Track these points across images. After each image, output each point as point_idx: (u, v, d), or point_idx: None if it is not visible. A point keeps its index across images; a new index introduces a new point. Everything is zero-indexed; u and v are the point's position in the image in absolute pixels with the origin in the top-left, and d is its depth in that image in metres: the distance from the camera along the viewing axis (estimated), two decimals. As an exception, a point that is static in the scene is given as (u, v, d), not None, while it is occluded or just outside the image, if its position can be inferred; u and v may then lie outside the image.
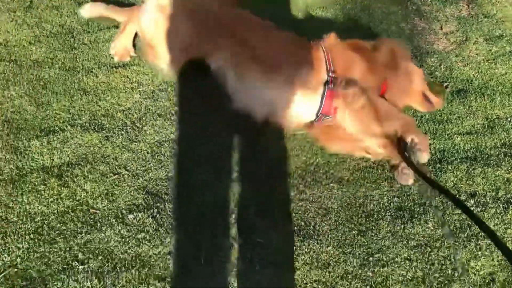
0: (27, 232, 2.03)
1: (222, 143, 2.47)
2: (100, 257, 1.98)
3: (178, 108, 2.64)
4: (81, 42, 2.94)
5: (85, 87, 2.67)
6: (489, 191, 2.40)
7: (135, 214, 2.15)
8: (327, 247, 2.11)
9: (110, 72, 2.76)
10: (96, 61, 2.83)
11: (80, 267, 1.95)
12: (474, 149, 2.59)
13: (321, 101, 2.29)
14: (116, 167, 2.33)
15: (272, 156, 2.45)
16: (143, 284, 1.92)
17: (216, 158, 2.40)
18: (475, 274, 2.07)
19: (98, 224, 2.10)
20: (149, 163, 2.36)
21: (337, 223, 2.21)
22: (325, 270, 2.03)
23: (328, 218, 2.22)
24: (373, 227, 2.21)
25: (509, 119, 2.80)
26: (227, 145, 2.48)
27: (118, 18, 2.92)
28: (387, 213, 2.27)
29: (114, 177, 2.29)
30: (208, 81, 2.46)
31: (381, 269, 2.06)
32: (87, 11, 2.95)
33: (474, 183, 2.43)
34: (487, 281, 2.06)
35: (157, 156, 2.39)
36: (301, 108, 2.32)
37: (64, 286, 1.88)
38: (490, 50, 3.26)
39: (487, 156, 2.57)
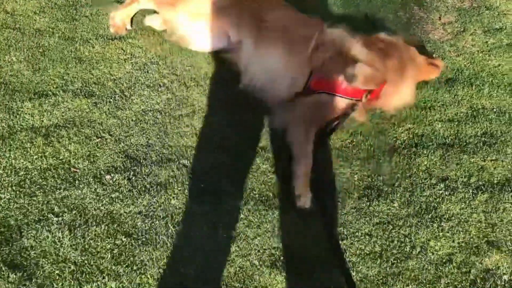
0: (10, 184, 2.17)
1: (205, 116, 2.57)
2: (74, 212, 2.11)
3: (166, 80, 2.74)
4: (82, 14, 3.08)
5: (81, 56, 2.81)
6: (461, 177, 2.42)
7: (112, 175, 2.27)
8: (290, 217, 2.19)
9: (106, 44, 2.89)
10: (94, 32, 2.97)
11: (55, 219, 2.08)
12: (453, 136, 2.61)
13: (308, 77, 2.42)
14: (101, 131, 2.46)
15: (251, 129, 2.54)
16: (111, 238, 2.04)
17: (197, 129, 2.50)
18: (433, 253, 2.12)
19: (77, 182, 2.23)
20: (132, 130, 2.48)
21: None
22: (285, 238, 2.11)
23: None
24: (339, 203, 2.27)
25: (494, 109, 2.81)
26: (209, 118, 2.57)
27: None
28: (354, 191, 2.32)
29: (97, 140, 2.42)
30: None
31: (341, 241, 2.12)
32: None
33: (448, 168, 2.46)
34: (444, 260, 2.10)
35: (141, 123, 2.51)
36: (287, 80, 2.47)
37: (38, 234, 2.02)
38: (487, 42, 3.25)
39: (465, 143, 2.59)
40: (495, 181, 2.41)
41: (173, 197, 2.21)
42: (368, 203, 2.27)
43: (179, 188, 2.25)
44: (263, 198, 2.25)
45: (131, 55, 2.84)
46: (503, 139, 2.61)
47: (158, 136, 2.46)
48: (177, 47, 2.92)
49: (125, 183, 2.25)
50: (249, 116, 2.58)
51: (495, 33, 3.33)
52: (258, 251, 2.06)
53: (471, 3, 3.60)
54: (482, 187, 2.38)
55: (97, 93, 2.62)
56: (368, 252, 2.10)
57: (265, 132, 2.53)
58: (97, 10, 3.11)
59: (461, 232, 2.19)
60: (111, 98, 2.60)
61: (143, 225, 2.10)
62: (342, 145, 2.53)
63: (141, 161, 2.35)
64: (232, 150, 2.43)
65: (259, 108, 2.57)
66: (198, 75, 2.78)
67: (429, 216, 2.24)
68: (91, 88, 2.64)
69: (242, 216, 2.17)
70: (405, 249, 2.12)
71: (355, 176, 2.39)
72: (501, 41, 3.26)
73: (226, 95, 2.67)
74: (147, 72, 2.76)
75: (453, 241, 2.16)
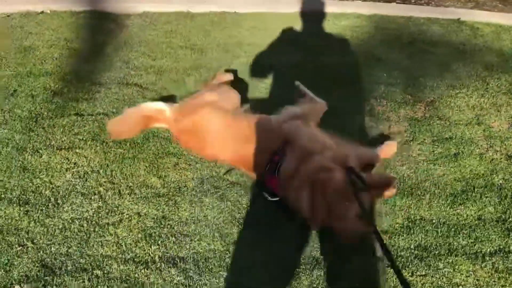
0: None
1: (131, 225, 2.59)
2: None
3: (102, 188, 2.81)
4: (40, 126, 3.28)
5: (27, 166, 2.94)
6: (385, 293, 2.30)
7: (22, 285, 2.26)
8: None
9: (53, 153, 3.04)
10: (46, 143, 3.14)
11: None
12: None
13: None
14: (25, 239, 2.49)
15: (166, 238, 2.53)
16: None
17: (120, 238, 2.51)
18: None
19: (-15, 292, 2.22)
20: (56, 238, 2.51)
21: None
22: None
23: None
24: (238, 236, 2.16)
25: (433, 220, 2.73)
26: (135, 226, 2.58)
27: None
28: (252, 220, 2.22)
29: (19, 248, 2.44)
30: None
31: None
32: None
33: (374, 283, 2.34)
34: None
35: (65, 232, 2.54)
36: None
37: None
38: (434, 151, 3.26)
39: (396, 256, 2.49)
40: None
41: (76, 310, 2.16)
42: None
43: (85, 300, 2.19)
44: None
45: (74, 164, 2.96)
46: (436, 252, 2.51)
47: (79, 245, 2.47)
48: (121, 156, 3.02)
49: (33, 293, 2.22)
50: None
51: (444, 142, 3.35)
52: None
53: (423, 113, 3.67)
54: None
55: (32, 201, 2.70)
56: None
57: (180, 240, 2.51)
58: (55, 122, 3.30)
59: None
60: (44, 206, 2.67)
61: None
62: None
63: (56, 270, 2.34)
64: (148, 261, 2.40)
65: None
66: (135, 183, 2.85)
67: None
68: (28, 196, 2.73)
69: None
70: None
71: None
72: (448, 150, 3.26)
73: (157, 201, 2.71)
74: (86, 180, 2.85)
75: None
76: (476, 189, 2.92)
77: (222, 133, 2.84)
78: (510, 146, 3.31)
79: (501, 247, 2.56)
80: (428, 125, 3.53)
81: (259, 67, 4.12)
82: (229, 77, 3.69)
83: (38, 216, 2.61)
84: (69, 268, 2.36)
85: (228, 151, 2.80)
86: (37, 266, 2.36)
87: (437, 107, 3.74)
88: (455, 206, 2.81)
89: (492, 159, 3.19)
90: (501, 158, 3.20)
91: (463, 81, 4.10)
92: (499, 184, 2.97)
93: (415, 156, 3.21)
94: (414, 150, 3.26)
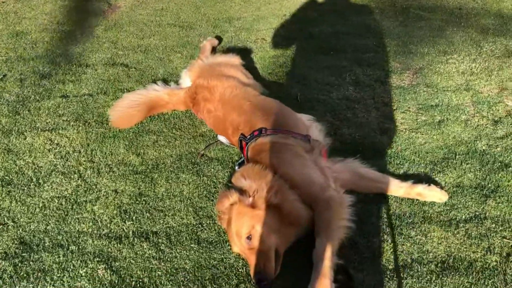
0: None
1: (108, 202, 2.65)
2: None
3: (82, 167, 2.88)
4: (26, 109, 3.36)
5: (12, 147, 3.02)
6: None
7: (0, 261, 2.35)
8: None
9: (37, 135, 3.11)
10: (31, 125, 3.21)
11: None
12: (355, 218, 2.50)
13: None
14: (6, 218, 2.58)
15: (142, 213, 2.58)
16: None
17: (97, 215, 2.57)
18: None
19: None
20: (35, 216, 2.58)
21: (182, 283, 2.24)
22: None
23: (174, 278, 2.26)
24: (214, 290, 2.21)
25: (410, 189, 2.69)
26: (111, 203, 2.65)
27: None
28: (234, 277, 2.26)
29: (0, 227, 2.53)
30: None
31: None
32: None
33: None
34: None
35: (45, 210, 2.62)
36: None
37: None
38: (417, 119, 3.20)
39: (363, 224, 2.48)
40: (390, 267, 2.26)
41: (51, 284, 2.24)
42: (244, 291, 2.18)
43: (58, 275, 2.27)
44: (138, 285, 2.23)
45: (57, 144, 3.03)
46: (410, 220, 2.49)
47: (57, 222, 2.54)
48: (102, 135, 3.08)
49: (10, 269, 2.31)
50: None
51: (429, 109, 3.29)
52: None
53: (411, 81, 3.61)
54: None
55: (15, 181, 2.78)
56: None
57: (157, 215, 2.55)
58: (41, 105, 3.37)
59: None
60: (26, 186, 2.75)
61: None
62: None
63: (34, 247, 2.42)
64: (122, 236, 2.46)
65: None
66: (114, 162, 2.90)
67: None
68: (11, 177, 2.81)
69: (109, 304, 2.15)
70: None
71: (240, 262, 2.33)
72: (433, 117, 3.20)
73: (134, 179, 2.76)
74: (67, 160, 2.92)
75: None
76: (457, 156, 2.88)
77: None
78: (497, 111, 3.23)
79: (477, 213, 2.52)
80: (414, 93, 3.46)
81: (248, 40, 4.10)
82: (214, 42, 3.74)
83: (20, 196, 2.69)
84: (46, 244, 2.43)
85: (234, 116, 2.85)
86: (15, 244, 2.44)
87: (426, 74, 3.66)
88: (434, 174, 2.77)
89: (478, 125, 3.12)
90: (487, 124, 3.12)
91: (455, 46, 3.99)
92: (482, 150, 2.91)
93: (398, 125, 3.16)
94: (397, 120, 3.21)
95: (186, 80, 3.42)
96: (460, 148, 2.94)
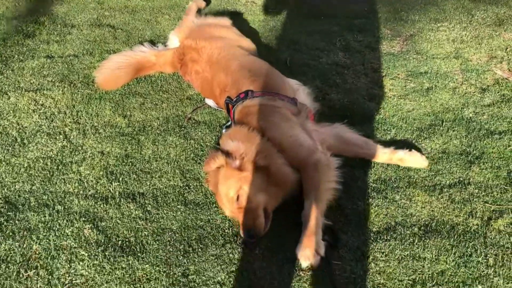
0: None
1: (93, 163, 2.63)
2: None
3: (68, 128, 2.84)
4: (10, 68, 3.29)
5: (-5, 108, 2.97)
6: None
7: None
8: (145, 264, 2.16)
9: (21, 95, 3.05)
10: (15, 85, 3.15)
11: None
12: (343, 181, 2.51)
13: None
14: (-10, 178, 2.55)
15: (128, 175, 2.57)
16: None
17: (82, 176, 2.56)
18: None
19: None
20: (21, 176, 2.56)
21: (168, 243, 2.25)
22: (132, 286, 2.07)
23: (160, 238, 2.27)
24: (200, 249, 2.23)
25: (396, 154, 2.70)
26: (97, 164, 2.63)
27: None
28: (220, 238, 2.28)
29: (-17, 187, 2.51)
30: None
31: (188, 290, 2.07)
32: None
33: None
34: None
35: (30, 170, 2.59)
36: None
37: None
38: (405, 86, 3.20)
39: (349, 188, 2.50)
40: (374, 230, 2.30)
41: (36, 243, 2.23)
42: (230, 251, 2.21)
43: (44, 234, 2.27)
44: (124, 244, 2.24)
45: (41, 105, 2.98)
46: (395, 185, 2.51)
47: (43, 183, 2.52)
48: (87, 96, 3.03)
49: (-6, 228, 2.30)
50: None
51: (418, 76, 3.28)
52: (102, 298, 2.03)
53: (401, 48, 3.58)
54: (358, 235, 2.27)
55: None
56: (215, 302, 2.03)
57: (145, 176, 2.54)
58: (25, 65, 3.30)
59: None
60: (10, 146, 2.71)
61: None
62: (222, 191, 2.48)
63: (19, 206, 2.41)
64: (108, 197, 2.45)
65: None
66: (100, 123, 2.87)
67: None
68: (-6, 137, 2.77)
69: (96, 262, 2.16)
70: (255, 300, 2.02)
71: (227, 222, 2.34)
72: (421, 84, 3.20)
73: (121, 140, 2.74)
74: (52, 121, 2.88)
75: (309, 292, 2.05)
76: (444, 123, 2.89)
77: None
78: (486, 80, 3.24)
79: (461, 179, 2.55)
80: (404, 60, 3.45)
81: (238, 3, 4.02)
82: (201, 3, 3.67)
83: (4, 156, 2.66)
84: (32, 204, 2.42)
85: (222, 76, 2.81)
86: (0, 203, 2.42)
87: (416, 41, 3.64)
88: (420, 140, 2.79)
89: (466, 93, 3.13)
90: (474, 92, 3.13)
91: (447, 14, 3.96)
92: (469, 118, 2.93)
93: (386, 92, 3.15)
94: (386, 86, 3.20)
95: (174, 41, 3.36)
96: (447, 115, 2.95)
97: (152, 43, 3.55)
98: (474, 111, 2.98)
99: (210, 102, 2.95)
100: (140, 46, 3.33)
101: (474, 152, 2.69)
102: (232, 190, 2.22)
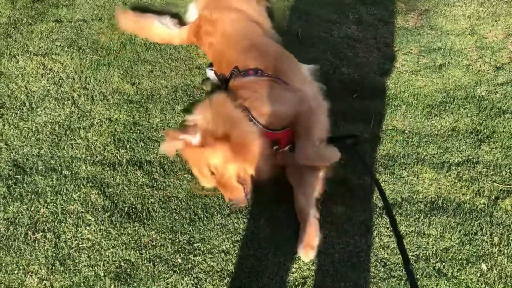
0: None
1: (102, 130, 2.63)
2: None
3: (76, 94, 2.83)
4: (19, 32, 3.26)
5: (3, 71, 2.96)
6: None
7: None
8: (151, 231, 2.19)
9: (29, 59, 3.04)
10: (23, 49, 3.13)
11: None
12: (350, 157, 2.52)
13: None
14: (-1, 141, 2.56)
15: (134, 144, 2.57)
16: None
17: (90, 142, 2.57)
18: (289, 275, 2.04)
19: (-41, 187, 2.33)
20: (29, 140, 2.57)
21: (174, 211, 2.27)
22: (137, 251, 2.10)
23: (167, 205, 2.29)
24: (206, 218, 2.24)
25: (406, 131, 2.69)
26: (105, 131, 2.63)
27: None
28: (226, 207, 2.29)
29: (-8, 150, 2.52)
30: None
31: (193, 257, 2.09)
32: None
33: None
34: (297, 283, 2.02)
35: (38, 134, 2.60)
36: None
37: None
38: (418, 62, 3.14)
39: (356, 163, 2.49)
40: (380, 205, 2.30)
41: (44, 206, 2.26)
42: (236, 220, 2.22)
43: (51, 198, 2.29)
44: (131, 210, 2.26)
45: (50, 70, 2.96)
46: (403, 161, 2.50)
47: (50, 147, 2.53)
48: (96, 62, 3.01)
49: (4, 190, 2.32)
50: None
51: (431, 52, 3.22)
52: (108, 262, 2.06)
53: (415, 23, 3.51)
54: (364, 210, 2.28)
55: (8, 105, 2.74)
56: (218, 270, 2.05)
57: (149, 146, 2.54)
58: (33, 28, 3.27)
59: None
60: (18, 110, 2.71)
61: (5, 230, 2.15)
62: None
63: (27, 170, 2.43)
64: (115, 163, 2.46)
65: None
66: (108, 90, 2.86)
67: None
68: (3, 100, 2.77)
69: (102, 227, 2.18)
70: (258, 269, 2.05)
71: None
72: (434, 60, 3.14)
73: (129, 108, 2.73)
74: (60, 86, 2.86)
75: (313, 265, 2.07)
76: (455, 101, 2.85)
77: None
78: (500, 58, 3.17)
79: (470, 157, 2.53)
80: (418, 35, 3.38)
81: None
82: None
83: (13, 119, 2.66)
84: (39, 168, 2.43)
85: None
86: (9, 166, 2.44)
87: (431, 16, 3.56)
88: (430, 117, 2.76)
89: (479, 71, 3.07)
90: (488, 70, 3.07)
91: (464, -11, 3.85)
92: (481, 96, 2.88)
93: (398, 67, 3.10)
94: (398, 61, 3.15)
95: (194, 13, 3.29)
96: (459, 92, 2.91)
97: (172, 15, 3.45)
98: (486, 89, 2.93)
99: (210, 74, 2.90)
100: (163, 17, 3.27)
101: (485, 130, 2.66)
102: (204, 169, 2.17)
